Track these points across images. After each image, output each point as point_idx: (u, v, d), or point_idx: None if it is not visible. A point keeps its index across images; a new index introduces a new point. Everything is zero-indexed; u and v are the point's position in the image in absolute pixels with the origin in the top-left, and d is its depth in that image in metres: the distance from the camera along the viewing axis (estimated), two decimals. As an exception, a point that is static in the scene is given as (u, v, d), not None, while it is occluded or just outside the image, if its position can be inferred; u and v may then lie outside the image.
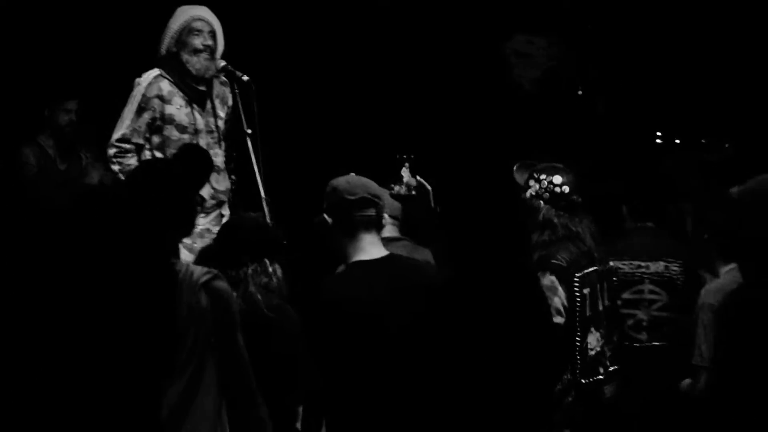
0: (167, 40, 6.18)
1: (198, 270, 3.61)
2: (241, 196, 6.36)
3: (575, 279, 4.68)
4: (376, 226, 4.19)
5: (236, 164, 6.37)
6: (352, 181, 4.28)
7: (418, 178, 4.17)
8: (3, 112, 7.58)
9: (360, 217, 4.15)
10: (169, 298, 3.44)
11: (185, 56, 6.13)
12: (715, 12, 7.73)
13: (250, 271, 4.42)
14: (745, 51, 7.67)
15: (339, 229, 4.16)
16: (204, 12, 6.21)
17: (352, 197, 4.17)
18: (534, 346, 3.47)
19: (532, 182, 4.80)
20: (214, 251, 4.58)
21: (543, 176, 4.77)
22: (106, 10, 7.82)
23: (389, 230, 4.90)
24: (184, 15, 6.18)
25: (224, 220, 6.30)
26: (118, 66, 7.11)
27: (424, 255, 4.92)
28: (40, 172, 7.64)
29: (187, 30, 6.13)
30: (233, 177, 6.49)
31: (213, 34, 6.19)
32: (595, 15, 8.02)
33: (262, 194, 5.81)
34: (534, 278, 4.03)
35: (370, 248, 4.12)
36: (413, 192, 5.10)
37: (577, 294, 4.69)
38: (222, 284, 3.62)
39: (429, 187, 4.15)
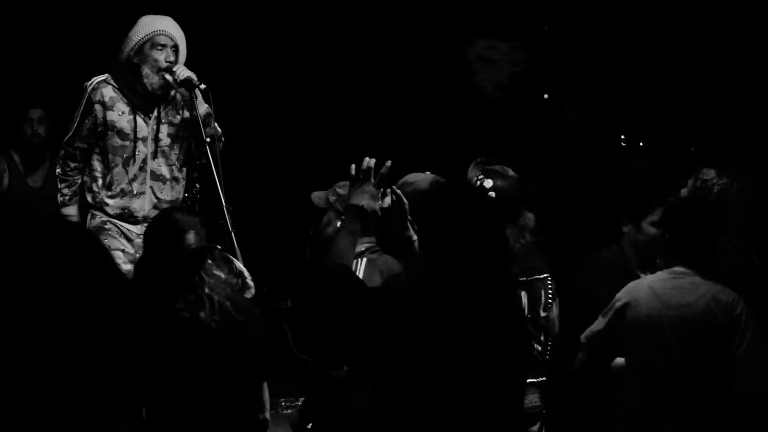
0: (126, 50, 6.14)
1: None
2: (203, 204, 6.35)
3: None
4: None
5: (199, 173, 6.35)
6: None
7: (395, 188, 4.14)
8: None
9: None
10: None
11: (146, 70, 6.09)
12: (681, 15, 7.77)
13: (209, 282, 4.32)
14: (713, 55, 7.71)
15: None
16: (168, 26, 6.15)
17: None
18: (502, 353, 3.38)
19: (473, 182, 4.78)
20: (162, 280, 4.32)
21: (480, 177, 4.74)
22: (72, 14, 7.80)
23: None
24: (147, 27, 6.13)
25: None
26: (86, 71, 7.10)
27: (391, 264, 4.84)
28: (8, 189, 7.48)
29: (150, 43, 6.09)
30: (197, 185, 6.48)
31: (176, 48, 6.15)
32: (553, 17, 8.06)
33: (223, 202, 5.78)
34: (505, 290, 3.95)
35: None
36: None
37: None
38: None
39: (405, 202, 4.12)
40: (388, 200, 4.15)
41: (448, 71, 8.23)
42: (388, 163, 3.83)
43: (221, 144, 6.11)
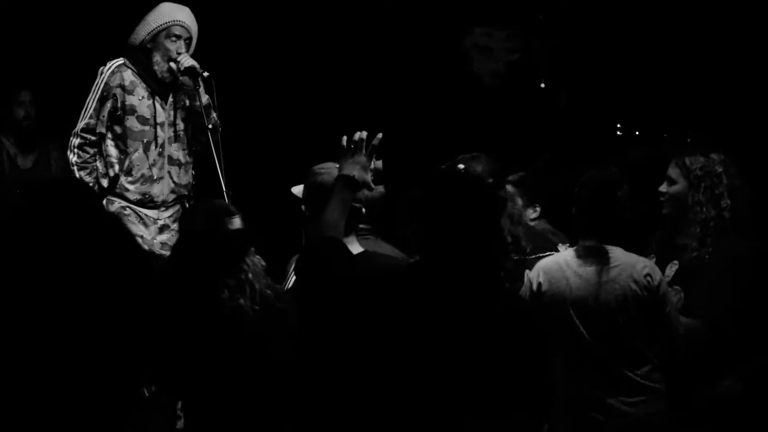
0: (143, 34, 6.22)
1: None
2: (203, 190, 6.42)
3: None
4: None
5: (197, 159, 6.42)
6: None
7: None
8: None
9: None
10: None
11: (157, 57, 6.19)
12: (677, 4, 7.82)
13: (252, 268, 4.30)
14: (709, 45, 7.75)
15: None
16: (186, 17, 6.24)
17: None
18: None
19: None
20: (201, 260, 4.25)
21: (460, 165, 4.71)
22: None
23: None
24: (166, 16, 6.21)
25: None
26: (78, 53, 7.15)
27: (388, 251, 4.83)
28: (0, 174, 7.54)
29: (166, 33, 6.18)
30: (193, 172, 6.55)
31: (189, 41, 6.25)
32: (549, 4, 8.11)
33: (224, 188, 5.86)
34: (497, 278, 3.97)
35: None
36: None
37: None
38: None
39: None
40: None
41: (446, 58, 8.27)
42: (379, 135, 3.90)
43: (219, 131, 6.18)
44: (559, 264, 4.64)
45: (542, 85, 8.12)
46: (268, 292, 4.24)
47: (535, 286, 4.63)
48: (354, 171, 3.83)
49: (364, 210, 4.19)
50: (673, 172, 5.02)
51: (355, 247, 4.08)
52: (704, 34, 7.74)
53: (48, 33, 7.78)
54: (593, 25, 7.96)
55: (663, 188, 5.04)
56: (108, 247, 1.83)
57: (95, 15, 7.50)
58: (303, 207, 4.41)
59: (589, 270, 4.57)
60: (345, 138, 3.88)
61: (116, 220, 2.33)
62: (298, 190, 5.05)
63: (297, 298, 4.10)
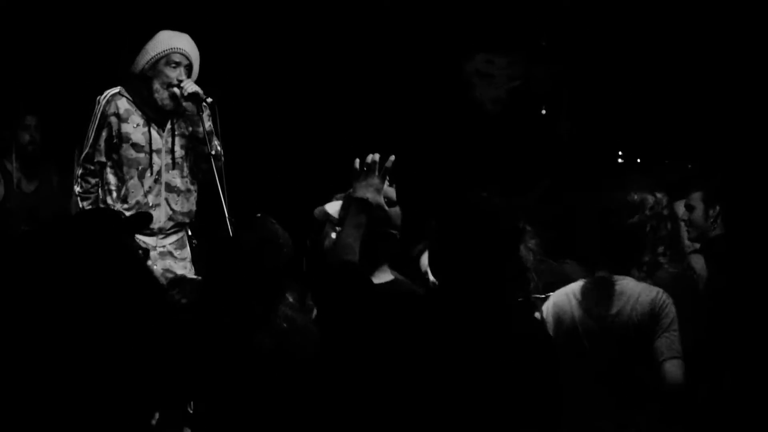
0: (142, 62, 6.23)
1: None
2: (206, 217, 6.42)
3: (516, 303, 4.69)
4: None
5: (200, 185, 6.43)
6: None
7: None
8: None
9: None
10: None
11: (156, 85, 6.18)
12: (678, 30, 7.85)
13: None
14: (711, 71, 7.80)
15: None
16: (185, 44, 6.24)
17: None
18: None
19: None
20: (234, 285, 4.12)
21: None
22: (65, 21, 7.83)
23: None
24: (164, 44, 6.21)
25: (190, 242, 6.39)
26: (84, 79, 7.16)
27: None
28: (4, 198, 7.56)
29: (165, 60, 6.18)
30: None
31: (190, 67, 6.25)
32: (552, 31, 8.14)
33: (227, 215, 5.84)
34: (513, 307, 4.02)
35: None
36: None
37: None
38: None
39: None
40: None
41: (447, 85, 8.32)
42: (392, 157, 3.92)
43: (222, 160, 6.17)
44: (568, 296, 4.65)
45: (543, 112, 8.15)
46: (285, 325, 4.17)
47: (548, 318, 4.64)
48: (368, 193, 3.86)
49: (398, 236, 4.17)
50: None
51: (386, 275, 4.08)
52: (705, 62, 7.78)
53: (54, 58, 7.82)
54: (595, 51, 8.00)
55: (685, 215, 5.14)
56: (123, 278, 1.84)
57: (101, 41, 7.54)
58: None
59: (595, 303, 4.58)
60: (358, 161, 3.91)
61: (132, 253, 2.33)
62: (318, 210, 5.10)
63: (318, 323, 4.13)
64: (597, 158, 7.94)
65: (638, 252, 4.71)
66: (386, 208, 3.97)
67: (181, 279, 4.39)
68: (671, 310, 4.55)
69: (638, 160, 8.08)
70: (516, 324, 3.53)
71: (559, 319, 4.62)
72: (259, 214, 4.37)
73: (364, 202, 3.86)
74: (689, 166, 7.62)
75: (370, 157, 3.90)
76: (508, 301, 3.63)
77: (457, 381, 3.32)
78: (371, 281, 3.77)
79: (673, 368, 4.44)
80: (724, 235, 5.38)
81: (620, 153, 8.20)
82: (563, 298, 4.65)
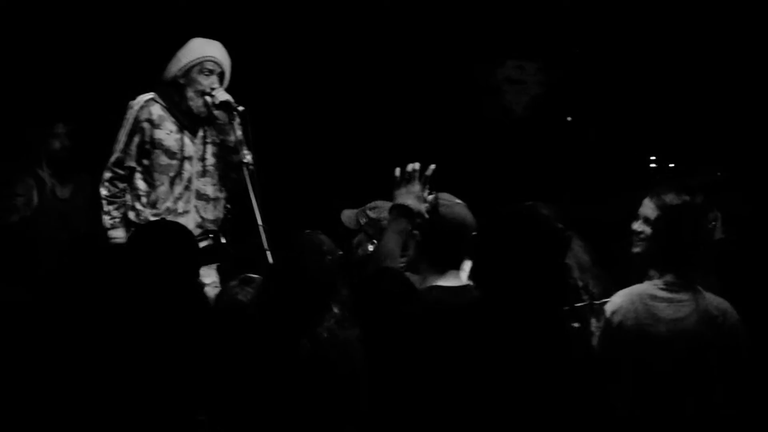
0: (174, 69, 6.25)
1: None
2: (238, 224, 6.46)
3: (564, 313, 4.60)
4: None
5: (232, 193, 6.44)
6: None
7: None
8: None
9: None
10: None
11: (190, 93, 6.22)
12: (707, 35, 7.84)
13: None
14: (738, 75, 7.78)
15: None
16: (217, 52, 6.27)
17: None
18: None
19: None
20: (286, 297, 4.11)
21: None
22: (94, 28, 7.87)
23: None
24: (197, 51, 6.24)
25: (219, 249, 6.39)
26: (113, 86, 7.21)
27: None
28: (39, 204, 7.48)
29: (198, 68, 6.21)
30: (228, 206, 6.56)
31: (222, 75, 6.28)
32: (581, 38, 8.14)
33: (259, 222, 5.83)
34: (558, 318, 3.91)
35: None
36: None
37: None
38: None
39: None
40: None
41: (477, 91, 8.34)
42: (432, 166, 3.99)
43: (252, 168, 6.16)
44: (638, 299, 4.60)
45: (569, 119, 8.15)
46: (326, 335, 4.10)
47: (613, 321, 4.59)
48: (408, 200, 3.93)
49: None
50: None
51: (456, 280, 4.09)
52: (736, 66, 7.77)
53: (83, 65, 7.85)
54: (624, 57, 7.99)
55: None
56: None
57: (130, 48, 7.60)
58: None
59: (666, 306, 4.56)
60: (398, 169, 3.97)
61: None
62: (348, 216, 5.11)
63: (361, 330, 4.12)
64: (626, 164, 7.92)
65: (697, 256, 4.68)
66: (426, 215, 4.00)
67: (249, 278, 4.41)
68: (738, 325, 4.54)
69: (671, 166, 8.06)
70: (557, 334, 3.54)
71: (625, 323, 4.57)
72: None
73: (406, 208, 3.92)
74: (718, 173, 7.60)
75: (410, 166, 3.97)
76: (552, 310, 3.55)
77: (495, 391, 3.34)
78: (414, 287, 3.80)
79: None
80: (725, 240, 5.32)
81: (652, 158, 8.18)
82: (630, 303, 4.60)
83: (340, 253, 4.28)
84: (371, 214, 5.09)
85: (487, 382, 3.34)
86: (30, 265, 4.29)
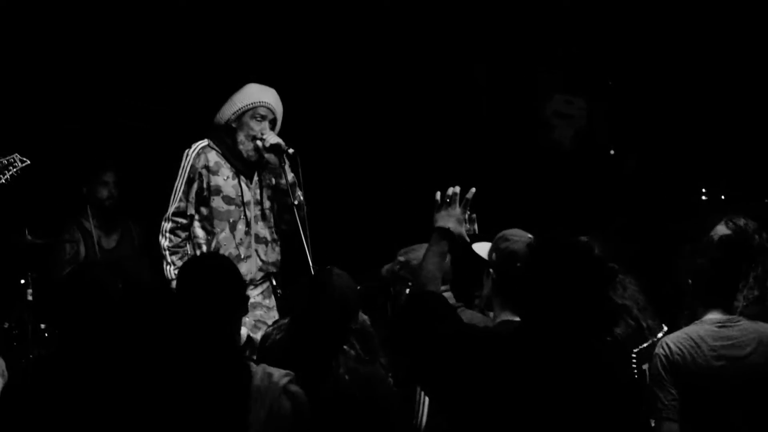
0: (228, 113, 6.27)
1: (276, 373, 3.66)
2: (291, 267, 6.48)
3: (632, 355, 4.75)
4: None
5: (284, 235, 6.44)
6: None
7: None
8: (43, 195, 7.68)
9: None
10: (243, 406, 3.52)
11: (241, 137, 6.23)
12: (751, 63, 7.83)
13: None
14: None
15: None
16: (271, 99, 6.30)
17: None
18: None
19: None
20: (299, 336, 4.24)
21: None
22: (140, 80, 7.98)
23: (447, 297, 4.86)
24: (252, 96, 6.27)
25: (275, 292, 6.39)
26: (161, 132, 7.29)
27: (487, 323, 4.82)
28: (85, 256, 7.59)
29: (251, 113, 6.23)
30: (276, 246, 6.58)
31: (274, 121, 6.29)
32: (616, 71, 8.15)
33: (311, 264, 5.85)
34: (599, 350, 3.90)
35: None
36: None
37: (635, 370, 4.75)
38: (299, 389, 3.69)
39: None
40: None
41: (523, 125, 8.37)
42: (473, 189, 3.99)
43: (304, 210, 6.19)
44: (693, 339, 4.55)
45: (612, 152, 8.15)
46: (347, 377, 4.22)
47: (667, 361, 4.53)
48: (449, 223, 3.92)
49: None
50: None
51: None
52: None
53: (132, 114, 7.99)
54: (662, 88, 7.99)
55: None
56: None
57: (177, 97, 7.68)
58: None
59: (725, 344, 4.52)
60: (439, 192, 3.98)
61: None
62: (385, 269, 5.13)
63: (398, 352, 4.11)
64: (671, 196, 7.90)
65: (740, 289, 4.69)
66: (467, 239, 4.02)
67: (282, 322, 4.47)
68: None
69: (722, 197, 8.03)
70: (602, 365, 3.55)
71: (683, 362, 4.51)
72: (327, 267, 4.40)
73: (446, 231, 3.91)
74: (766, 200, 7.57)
75: (450, 190, 3.97)
76: (595, 341, 3.57)
77: (537, 420, 3.35)
78: (456, 311, 3.78)
79: None
80: None
81: (704, 190, 8.16)
82: (686, 341, 4.54)
83: (358, 287, 4.35)
84: (401, 258, 5.11)
85: (522, 409, 3.37)
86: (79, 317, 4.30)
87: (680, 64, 7.95)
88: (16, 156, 6.29)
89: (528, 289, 3.54)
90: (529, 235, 4.32)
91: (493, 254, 4.63)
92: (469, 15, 8.32)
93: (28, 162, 6.25)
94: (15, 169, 6.26)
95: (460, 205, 3.96)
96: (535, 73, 8.42)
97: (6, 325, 7.00)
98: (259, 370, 3.67)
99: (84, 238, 7.68)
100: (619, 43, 8.12)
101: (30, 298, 6.95)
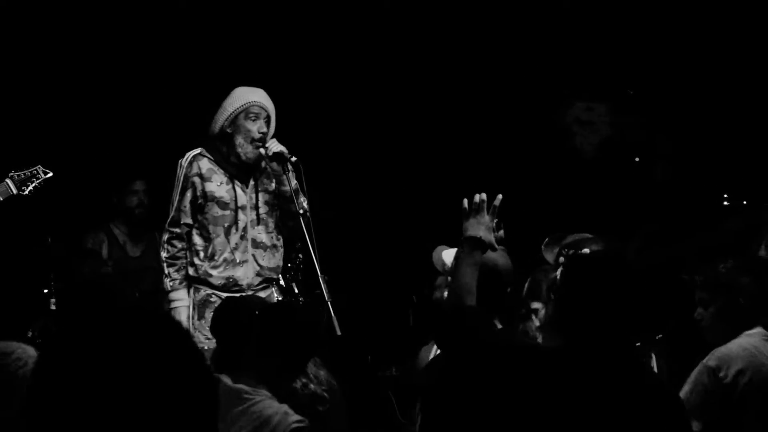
0: (221, 120, 6.33)
1: (287, 419, 3.75)
2: (300, 275, 6.51)
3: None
4: None
5: (288, 241, 6.50)
6: None
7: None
8: (72, 201, 7.80)
9: None
10: None
11: (239, 140, 6.29)
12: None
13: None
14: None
15: None
16: (262, 98, 6.35)
17: None
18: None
19: (562, 259, 4.74)
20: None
21: (571, 251, 4.72)
22: (171, 87, 8.06)
23: None
24: (241, 99, 6.33)
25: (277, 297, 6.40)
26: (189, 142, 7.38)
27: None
28: (110, 263, 7.66)
29: (244, 114, 6.29)
30: (300, 256, 6.66)
31: (268, 120, 6.35)
32: (636, 79, 8.14)
33: (319, 272, 5.89)
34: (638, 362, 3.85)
35: None
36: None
37: None
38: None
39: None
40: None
41: (545, 132, 8.37)
42: (499, 196, 3.97)
43: (308, 217, 6.21)
44: (751, 351, 4.49)
45: (637, 159, 8.13)
46: (322, 372, 4.35)
47: (727, 375, 4.43)
48: (480, 232, 3.89)
49: None
50: None
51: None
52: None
53: (161, 123, 8.04)
54: (686, 95, 7.98)
55: None
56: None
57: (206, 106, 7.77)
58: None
59: None
60: (465, 200, 3.96)
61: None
62: (438, 257, 5.14)
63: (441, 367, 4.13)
64: (696, 203, 7.87)
65: None
66: (496, 246, 3.99)
67: None
68: None
69: (744, 203, 7.98)
70: (646, 376, 3.55)
71: (747, 374, 4.43)
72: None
73: (478, 240, 3.88)
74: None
75: (477, 197, 3.95)
76: (633, 353, 3.57)
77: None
78: (495, 325, 3.81)
79: None
80: None
81: (726, 196, 8.11)
82: (746, 354, 4.47)
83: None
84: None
85: (566, 426, 3.32)
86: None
87: (705, 68, 7.93)
88: (39, 168, 6.43)
89: (568, 302, 3.51)
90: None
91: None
92: (489, 17, 8.34)
93: (51, 174, 6.41)
94: (38, 181, 6.42)
95: (488, 212, 3.93)
96: (556, 80, 8.42)
97: (30, 334, 7.06)
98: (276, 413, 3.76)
99: (110, 243, 7.77)
100: (642, 48, 8.11)
101: (53, 307, 6.99)
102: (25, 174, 6.42)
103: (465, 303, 3.75)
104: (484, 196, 3.95)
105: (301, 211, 6.18)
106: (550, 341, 4.33)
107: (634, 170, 8.17)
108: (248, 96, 6.36)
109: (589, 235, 4.95)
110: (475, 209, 3.93)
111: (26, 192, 6.40)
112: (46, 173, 6.45)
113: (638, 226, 7.32)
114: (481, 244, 3.89)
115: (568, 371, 3.38)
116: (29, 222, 7.49)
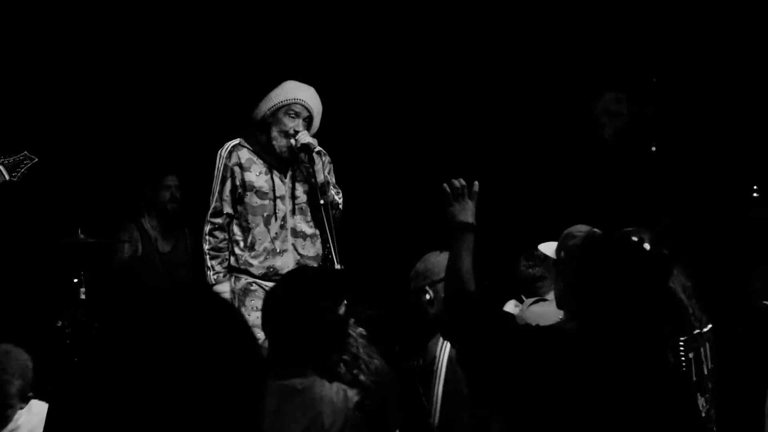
0: (264, 109, 6.47)
1: (350, 392, 3.91)
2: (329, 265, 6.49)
3: (680, 343, 4.76)
4: None
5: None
6: None
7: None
8: (104, 195, 7.97)
9: None
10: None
11: (274, 132, 6.43)
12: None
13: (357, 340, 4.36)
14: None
15: None
16: (308, 97, 6.47)
17: None
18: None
19: (562, 253, 4.84)
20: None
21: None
22: (207, 84, 8.21)
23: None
24: (288, 93, 6.46)
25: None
26: (223, 137, 7.55)
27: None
28: (140, 256, 7.80)
29: (285, 109, 6.42)
30: (329, 245, 6.82)
31: (310, 119, 6.45)
32: (660, 68, 8.21)
33: (336, 263, 6.04)
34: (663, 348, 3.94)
35: None
36: None
37: (683, 359, 4.75)
38: None
39: None
40: None
41: (570, 124, 8.48)
42: (476, 183, 4.06)
43: (338, 211, 6.35)
44: None
45: (653, 149, 8.19)
46: (376, 362, 4.30)
47: None
48: (469, 217, 3.98)
49: None
50: None
51: None
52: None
53: (196, 118, 8.21)
54: (705, 84, 8.04)
55: None
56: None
57: (240, 101, 7.94)
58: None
59: None
60: (446, 185, 4.06)
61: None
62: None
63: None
64: (717, 194, 7.94)
65: None
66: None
67: None
68: None
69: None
70: (662, 362, 3.61)
71: None
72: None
73: (470, 225, 3.96)
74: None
75: (456, 182, 4.05)
76: (657, 338, 3.59)
77: (606, 419, 3.36)
78: (502, 310, 3.93)
79: None
80: None
81: (755, 187, 8.15)
82: None
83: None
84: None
85: (593, 406, 3.37)
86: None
87: (724, 57, 8.00)
88: (26, 153, 6.44)
89: (587, 287, 3.54)
90: (595, 230, 4.32)
91: (561, 252, 4.74)
92: (511, 14, 8.45)
93: (37, 159, 6.39)
94: (26, 167, 6.40)
95: (470, 197, 4.01)
96: (585, 71, 8.51)
97: (60, 324, 7.25)
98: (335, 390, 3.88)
99: (142, 239, 7.91)
100: (664, 38, 8.18)
101: (83, 297, 7.14)
102: (14, 160, 6.39)
103: (471, 289, 3.80)
104: (462, 180, 4.04)
105: (322, 202, 6.30)
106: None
107: (651, 160, 8.23)
108: (295, 92, 6.47)
109: (585, 227, 5.00)
110: (459, 194, 4.02)
111: (16, 178, 6.37)
112: (32, 159, 6.42)
113: (656, 218, 7.41)
114: (474, 229, 3.97)
115: (596, 355, 3.42)
116: (59, 211, 7.65)
